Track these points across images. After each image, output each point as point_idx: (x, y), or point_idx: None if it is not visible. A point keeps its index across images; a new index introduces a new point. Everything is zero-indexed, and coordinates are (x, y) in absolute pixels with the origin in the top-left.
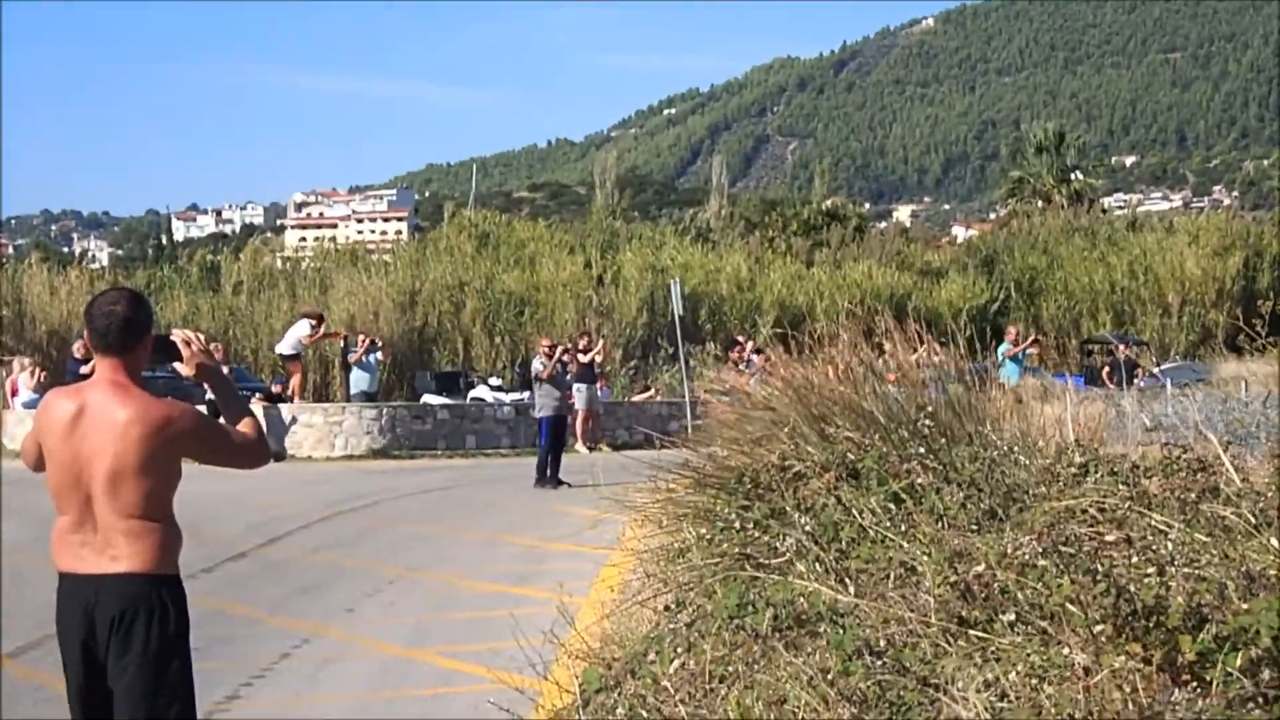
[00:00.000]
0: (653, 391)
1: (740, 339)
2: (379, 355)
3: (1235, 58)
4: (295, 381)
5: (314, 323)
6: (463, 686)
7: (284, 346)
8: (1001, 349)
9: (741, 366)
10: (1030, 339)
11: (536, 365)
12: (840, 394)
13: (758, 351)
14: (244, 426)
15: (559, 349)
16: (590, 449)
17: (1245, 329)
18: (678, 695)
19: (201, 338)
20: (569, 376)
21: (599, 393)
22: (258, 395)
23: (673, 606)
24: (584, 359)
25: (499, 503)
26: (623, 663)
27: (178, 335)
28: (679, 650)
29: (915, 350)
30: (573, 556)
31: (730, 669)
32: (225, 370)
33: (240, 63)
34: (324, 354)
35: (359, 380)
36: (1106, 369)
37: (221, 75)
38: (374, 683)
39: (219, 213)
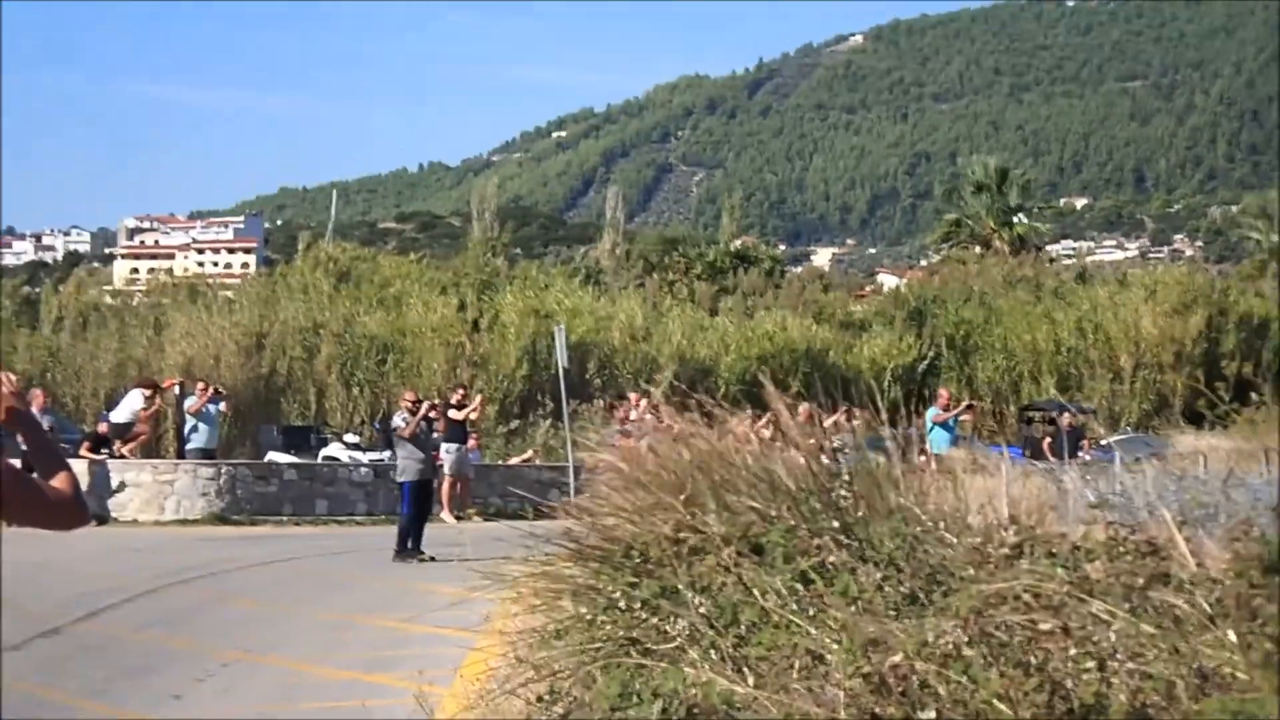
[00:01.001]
0: (531, 454)
1: (630, 396)
2: (221, 406)
3: (1202, 88)
4: (135, 445)
5: (148, 394)
6: None
7: (119, 415)
8: (930, 414)
9: (629, 427)
10: (964, 404)
11: (397, 421)
12: (744, 457)
13: (654, 409)
14: (59, 482)
15: (425, 404)
16: (458, 518)
17: (1206, 394)
18: None
19: (13, 379)
20: (436, 435)
21: (470, 455)
22: (86, 445)
23: (546, 697)
24: (457, 416)
25: (353, 578)
26: None
27: None
28: None
29: (831, 414)
30: (435, 640)
31: None
32: (44, 420)
33: (68, 68)
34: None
35: (196, 435)
36: (1048, 440)
37: (45, 82)
38: None
39: (39, 238)
